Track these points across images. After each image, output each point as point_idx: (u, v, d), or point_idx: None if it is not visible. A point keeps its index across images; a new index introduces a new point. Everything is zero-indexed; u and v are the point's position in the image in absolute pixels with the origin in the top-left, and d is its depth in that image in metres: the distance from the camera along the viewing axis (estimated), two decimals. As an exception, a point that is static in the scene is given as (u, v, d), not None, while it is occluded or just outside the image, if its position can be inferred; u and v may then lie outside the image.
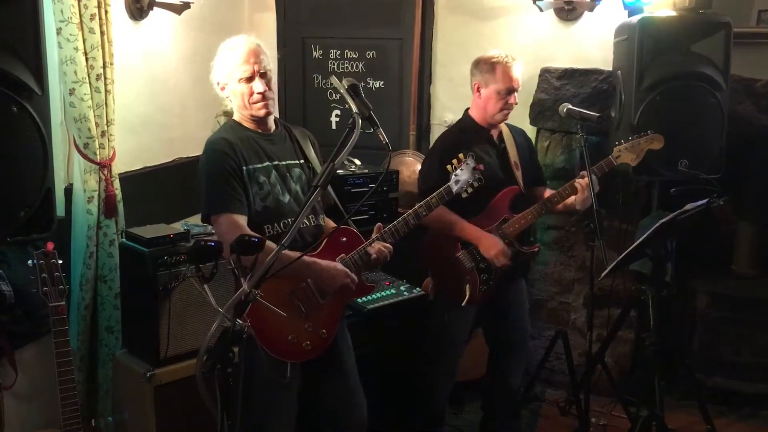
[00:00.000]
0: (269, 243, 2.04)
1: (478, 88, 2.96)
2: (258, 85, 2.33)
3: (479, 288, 2.96)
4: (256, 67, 2.33)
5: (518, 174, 3.02)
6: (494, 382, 3.25)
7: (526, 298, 3.24)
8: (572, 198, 2.95)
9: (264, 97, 2.35)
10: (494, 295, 3.02)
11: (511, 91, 2.91)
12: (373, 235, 2.46)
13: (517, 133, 3.16)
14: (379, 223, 2.51)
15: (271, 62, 2.41)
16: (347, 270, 2.36)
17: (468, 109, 3.08)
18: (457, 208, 2.82)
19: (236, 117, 2.44)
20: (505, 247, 2.89)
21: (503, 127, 3.08)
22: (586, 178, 2.89)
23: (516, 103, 2.97)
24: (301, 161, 2.50)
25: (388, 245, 2.47)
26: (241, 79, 2.33)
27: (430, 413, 3.21)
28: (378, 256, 2.44)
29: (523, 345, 3.26)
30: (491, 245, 2.89)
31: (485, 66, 2.93)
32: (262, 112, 2.37)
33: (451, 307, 3.00)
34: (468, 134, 3.00)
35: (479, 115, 3.00)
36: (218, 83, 2.39)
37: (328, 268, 2.34)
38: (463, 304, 2.93)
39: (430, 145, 3.43)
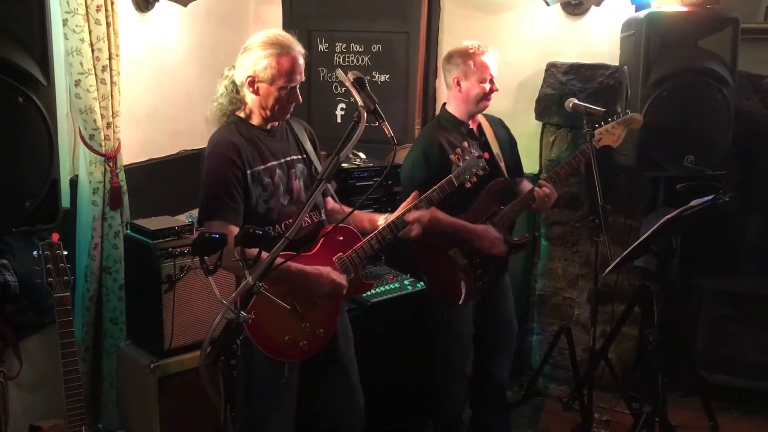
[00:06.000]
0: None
1: (458, 81, 2.92)
2: (299, 98, 2.32)
3: (475, 284, 2.95)
4: (300, 78, 2.29)
5: (502, 165, 3.00)
6: (483, 378, 3.22)
7: (510, 292, 3.22)
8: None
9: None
10: (486, 290, 3.02)
11: (491, 78, 2.90)
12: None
13: (495, 123, 3.12)
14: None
15: None
16: (333, 278, 2.31)
17: (444, 104, 3.05)
18: (444, 204, 2.69)
19: (245, 112, 2.37)
20: (498, 235, 2.90)
21: (481, 118, 3.06)
22: (545, 188, 2.91)
23: (497, 90, 2.94)
24: (303, 156, 2.48)
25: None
26: (284, 87, 2.27)
27: (446, 414, 3.17)
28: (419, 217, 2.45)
29: (511, 338, 3.23)
30: (484, 237, 2.88)
31: (460, 59, 2.89)
32: (285, 118, 2.39)
33: (448, 306, 2.96)
34: (448, 129, 2.96)
35: (459, 109, 2.97)
36: (250, 78, 2.26)
37: (313, 276, 2.28)
38: (460, 302, 2.91)
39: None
